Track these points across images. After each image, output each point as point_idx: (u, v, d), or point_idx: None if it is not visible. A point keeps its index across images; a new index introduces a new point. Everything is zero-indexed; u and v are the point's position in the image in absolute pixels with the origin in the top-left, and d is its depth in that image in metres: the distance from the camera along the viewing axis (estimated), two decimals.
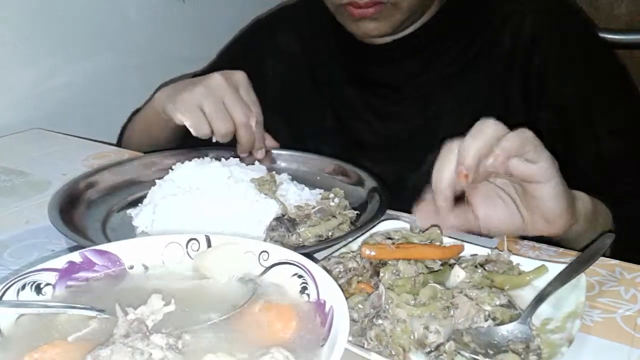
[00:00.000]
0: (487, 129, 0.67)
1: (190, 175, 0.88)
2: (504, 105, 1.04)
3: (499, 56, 1.04)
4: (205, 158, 0.94)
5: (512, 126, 0.81)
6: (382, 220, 0.78)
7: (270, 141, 1.07)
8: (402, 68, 1.10)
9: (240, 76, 1.00)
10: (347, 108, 1.15)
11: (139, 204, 0.88)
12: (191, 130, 0.97)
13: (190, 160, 0.93)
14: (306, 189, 0.91)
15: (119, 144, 1.30)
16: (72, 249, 0.58)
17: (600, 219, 0.85)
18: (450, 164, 0.66)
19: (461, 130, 0.78)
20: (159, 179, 0.90)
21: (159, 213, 0.82)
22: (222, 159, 0.94)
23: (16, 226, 0.83)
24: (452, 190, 0.67)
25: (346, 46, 1.13)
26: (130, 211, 0.88)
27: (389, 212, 0.88)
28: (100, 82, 1.48)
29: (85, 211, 0.84)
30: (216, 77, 0.97)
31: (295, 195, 0.88)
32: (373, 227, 0.76)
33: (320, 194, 0.90)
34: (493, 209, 0.73)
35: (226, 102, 0.96)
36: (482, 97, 1.05)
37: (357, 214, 0.85)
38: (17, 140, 1.24)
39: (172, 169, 0.91)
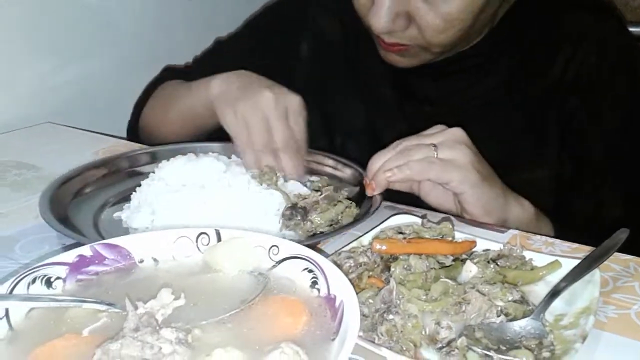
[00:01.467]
0: (400, 145, 0.82)
1: (182, 172, 0.86)
2: (538, 139, 1.02)
3: (543, 87, 1.01)
4: (189, 154, 0.92)
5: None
6: (393, 215, 0.77)
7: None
8: (442, 85, 1.07)
9: (293, 99, 0.94)
10: (381, 108, 1.12)
11: (124, 207, 0.86)
12: (235, 142, 0.94)
13: (174, 157, 0.91)
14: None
15: (132, 134, 1.27)
16: (66, 248, 0.58)
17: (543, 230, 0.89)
18: (380, 160, 0.82)
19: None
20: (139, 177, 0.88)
21: (159, 212, 0.81)
22: (211, 153, 0.93)
23: (27, 220, 0.84)
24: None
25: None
26: (119, 214, 0.85)
27: (400, 206, 0.87)
28: (110, 77, 1.48)
29: (74, 213, 0.83)
30: (268, 96, 0.92)
31: (292, 186, 0.88)
32: (385, 219, 0.75)
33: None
34: (434, 185, 0.84)
35: (269, 120, 0.92)
36: (517, 127, 1.02)
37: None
38: (28, 134, 1.24)
39: (156, 167, 0.89)
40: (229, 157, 0.94)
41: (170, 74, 1.29)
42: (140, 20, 1.54)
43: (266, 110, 0.91)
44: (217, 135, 1.04)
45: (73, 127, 1.29)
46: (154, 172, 0.89)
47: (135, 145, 1.15)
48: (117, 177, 0.95)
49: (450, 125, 0.95)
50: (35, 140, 1.20)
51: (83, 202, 0.87)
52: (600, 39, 1.00)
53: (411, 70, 1.03)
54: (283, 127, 0.91)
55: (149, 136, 1.23)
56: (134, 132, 1.27)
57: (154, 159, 0.98)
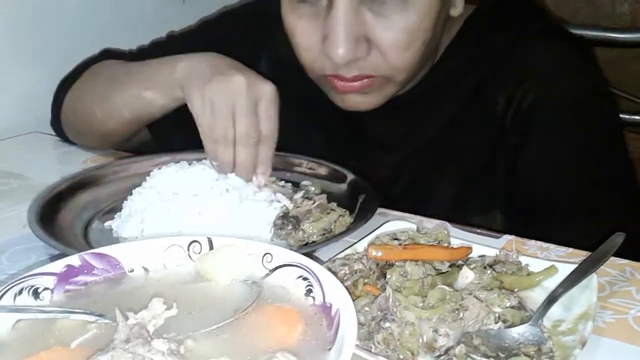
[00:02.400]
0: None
1: (173, 181, 0.84)
2: (489, 179, 0.98)
3: (489, 125, 0.97)
4: (182, 162, 0.90)
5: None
6: (388, 221, 0.76)
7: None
8: (392, 126, 1.02)
9: (266, 88, 0.87)
10: (335, 145, 1.07)
11: (115, 216, 0.85)
12: (200, 131, 0.88)
13: (166, 165, 0.89)
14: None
15: (55, 120, 1.17)
16: (53, 258, 0.57)
17: None
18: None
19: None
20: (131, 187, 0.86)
21: (148, 222, 0.80)
22: (204, 161, 0.90)
23: (14, 230, 0.82)
24: None
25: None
26: (109, 223, 0.84)
27: (394, 213, 0.87)
28: None
29: (63, 223, 0.81)
30: (239, 80, 0.86)
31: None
32: (379, 226, 0.74)
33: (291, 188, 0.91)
34: None
35: (235, 110, 0.86)
36: (469, 167, 0.99)
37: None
38: (15, 143, 1.23)
39: (148, 176, 0.88)
40: None
41: (110, 56, 1.19)
42: (132, 27, 1.53)
43: (236, 96, 0.85)
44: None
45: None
46: (145, 181, 0.87)
47: (123, 155, 1.13)
48: (109, 186, 0.93)
49: (402, 171, 0.97)
50: (23, 150, 1.19)
51: (73, 211, 0.85)
52: (544, 74, 0.95)
53: (362, 113, 0.96)
54: (247, 117, 0.85)
55: (74, 126, 1.14)
56: (57, 117, 1.17)
57: (147, 167, 0.95)
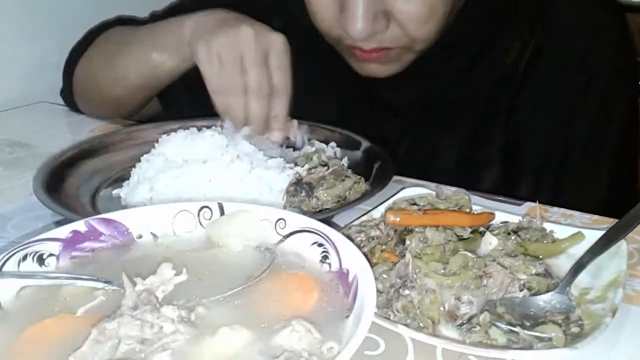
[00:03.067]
0: None
1: (182, 148, 0.81)
2: (492, 125, 0.97)
3: (496, 79, 0.95)
4: (191, 129, 0.86)
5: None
6: (405, 188, 0.73)
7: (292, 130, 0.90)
8: (401, 87, 0.98)
9: (276, 38, 0.83)
10: (349, 108, 1.04)
11: (123, 184, 0.82)
12: (205, 82, 0.85)
13: (175, 131, 0.85)
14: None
15: (67, 90, 1.14)
16: (59, 225, 0.54)
17: None
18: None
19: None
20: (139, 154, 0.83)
21: (157, 189, 0.77)
22: (213, 128, 0.86)
23: (20, 198, 0.80)
24: None
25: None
26: (117, 191, 0.81)
27: (410, 180, 0.84)
28: None
29: (70, 190, 0.79)
30: (246, 31, 0.82)
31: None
32: (396, 193, 0.71)
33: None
34: None
35: (244, 60, 0.82)
36: (475, 116, 0.97)
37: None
38: (23, 113, 1.21)
39: (156, 143, 0.84)
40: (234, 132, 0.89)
41: (121, 23, 1.15)
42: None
43: (243, 48, 0.81)
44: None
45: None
46: (154, 148, 0.85)
47: (130, 124, 1.11)
48: (117, 154, 0.90)
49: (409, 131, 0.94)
50: (30, 119, 1.16)
51: (80, 179, 0.82)
52: (561, 32, 0.92)
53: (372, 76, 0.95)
54: (257, 67, 0.81)
55: (84, 96, 1.11)
56: (69, 86, 1.14)
57: (155, 134, 0.91)
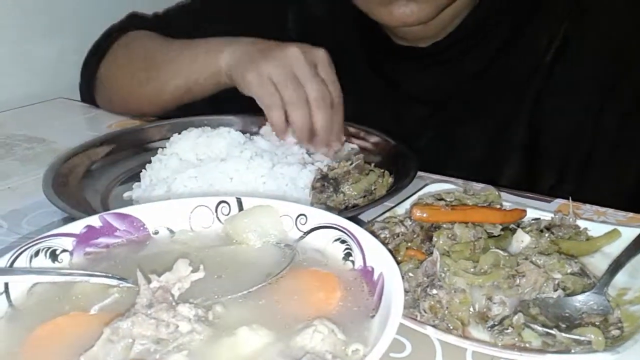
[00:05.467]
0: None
1: (197, 146, 0.79)
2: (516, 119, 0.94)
3: (524, 69, 0.92)
4: (205, 127, 0.84)
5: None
6: (427, 184, 0.71)
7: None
8: (426, 75, 0.98)
9: (320, 53, 0.85)
10: (365, 97, 1.01)
11: (133, 185, 0.79)
12: (260, 103, 0.85)
13: (186, 130, 0.83)
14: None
15: (87, 88, 1.14)
16: (67, 220, 0.53)
17: None
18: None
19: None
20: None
21: (175, 190, 0.74)
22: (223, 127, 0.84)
23: (35, 194, 0.78)
24: None
25: (370, 38, 0.99)
26: (129, 194, 0.79)
27: (434, 176, 0.81)
28: None
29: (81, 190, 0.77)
30: (293, 50, 0.83)
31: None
32: (420, 188, 0.69)
33: None
34: None
35: (299, 76, 0.82)
36: (499, 119, 0.94)
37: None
38: (40, 109, 1.20)
39: (167, 142, 0.82)
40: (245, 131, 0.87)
41: (138, 22, 1.14)
42: None
43: (295, 67, 0.82)
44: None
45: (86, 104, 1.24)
46: (162, 148, 0.82)
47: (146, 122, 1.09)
48: (125, 154, 0.88)
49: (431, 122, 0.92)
50: (47, 115, 1.16)
51: (89, 181, 0.80)
52: (597, 20, 0.89)
53: (396, 59, 0.96)
54: (315, 79, 0.82)
55: (106, 98, 1.11)
56: (89, 85, 1.14)
57: (166, 133, 0.89)
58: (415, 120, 0.99)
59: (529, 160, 0.94)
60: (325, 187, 0.71)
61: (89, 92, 1.15)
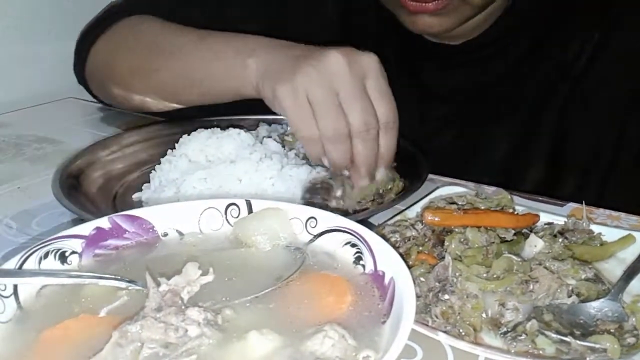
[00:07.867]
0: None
1: (206, 147, 0.78)
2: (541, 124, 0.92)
3: (550, 71, 0.90)
4: (215, 128, 0.82)
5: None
6: (438, 187, 0.70)
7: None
8: (449, 75, 0.95)
9: (370, 62, 0.70)
10: (397, 87, 0.99)
11: (143, 187, 0.79)
12: (293, 129, 0.73)
13: (195, 131, 0.81)
14: None
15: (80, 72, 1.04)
16: (75, 222, 0.52)
17: None
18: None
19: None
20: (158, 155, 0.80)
21: (185, 192, 0.74)
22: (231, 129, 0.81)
23: (45, 194, 0.78)
24: None
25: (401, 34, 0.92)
26: (138, 195, 0.78)
27: (445, 179, 0.80)
28: None
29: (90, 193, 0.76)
30: (336, 58, 0.68)
31: None
32: (431, 192, 0.68)
33: None
34: None
35: (342, 97, 0.68)
36: (524, 121, 0.93)
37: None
38: (50, 108, 1.21)
39: (176, 143, 0.81)
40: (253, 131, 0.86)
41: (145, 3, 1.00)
42: None
43: (337, 83, 0.68)
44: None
45: (95, 103, 1.24)
46: (172, 150, 0.82)
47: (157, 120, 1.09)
48: (134, 156, 0.87)
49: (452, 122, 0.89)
50: (57, 115, 1.16)
51: (98, 182, 0.80)
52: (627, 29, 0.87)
53: (425, 55, 0.92)
54: (360, 101, 0.68)
55: (99, 82, 1.00)
56: (82, 63, 1.02)
57: (175, 134, 0.86)
58: (438, 119, 0.97)
59: (551, 167, 0.93)
60: (313, 197, 0.70)
61: (82, 72, 1.04)
